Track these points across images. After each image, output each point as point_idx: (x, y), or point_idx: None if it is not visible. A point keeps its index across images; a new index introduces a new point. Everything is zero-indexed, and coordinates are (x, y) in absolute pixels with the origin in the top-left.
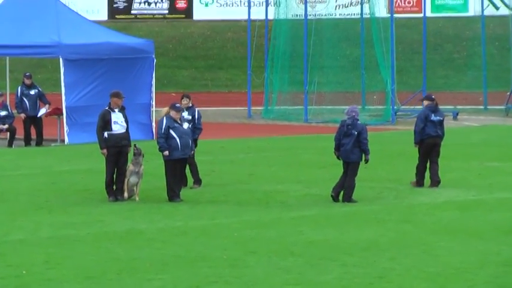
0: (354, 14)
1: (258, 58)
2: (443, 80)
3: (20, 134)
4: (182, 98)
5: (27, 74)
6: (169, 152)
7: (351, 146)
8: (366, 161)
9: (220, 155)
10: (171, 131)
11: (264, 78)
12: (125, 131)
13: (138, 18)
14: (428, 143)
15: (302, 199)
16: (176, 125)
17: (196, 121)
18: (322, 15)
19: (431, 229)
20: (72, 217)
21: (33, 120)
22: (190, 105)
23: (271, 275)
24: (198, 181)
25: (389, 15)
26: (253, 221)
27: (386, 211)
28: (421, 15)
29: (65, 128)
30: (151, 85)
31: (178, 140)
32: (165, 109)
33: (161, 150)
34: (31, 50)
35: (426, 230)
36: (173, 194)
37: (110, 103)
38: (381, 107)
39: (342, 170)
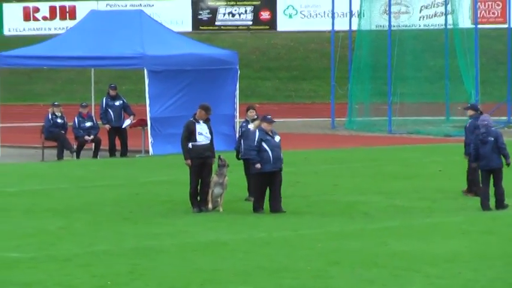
0: (438, 25)
1: (341, 69)
2: None
3: (104, 145)
4: (248, 110)
5: (112, 85)
6: (260, 165)
7: (490, 152)
8: (508, 164)
9: (304, 166)
10: (263, 144)
11: (348, 89)
12: (209, 142)
13: (222, 29)
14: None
15: (385, 210)
16: (268, 137)
17: None
18: (405, 26)
19: None
20: (156, 228)
21: (117, 131)
22: (256, 116)
23: (355, 286)
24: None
25: (473, 25)
26: (337, 232)
27: (469, 222)
28: (506, 25)
29: (150, 139)
30: (234, 96)
31: (270, 152)
32: (256, 122)
33: (253, 163)
34: (116, 61)
35: (510, 242)
36: (258, 206)
37: (195, 114)
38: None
39: (480, 180)
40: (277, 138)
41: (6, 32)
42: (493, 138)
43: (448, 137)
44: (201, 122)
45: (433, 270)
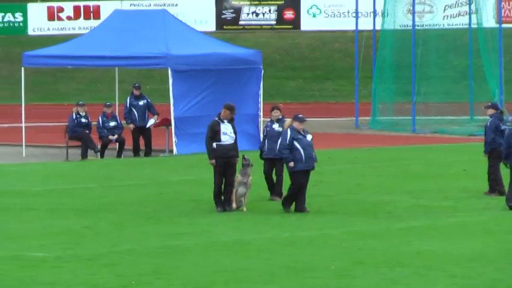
0: (462, 24)
1: (365, 69)
2: None
3: (128, 144)
4: (273, 110)
5: (136, 84)
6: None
7: None
8: None
9: (328, 165)
10: (295, 143)
11: (371, 88)
12: (233, 142)
13: (246, 29)
14: (500, 151)
15: (409, 210)
16: (300, 136)
17: None
18: (429, 25)
19: None
20: (180, 227)
21: (141, 131)
22: (281, 117)
23: (379, 286)
24: (280, 194)
25: (497, 25)
26: (361, 232)
27: (494, 222)
28: None
29: (174, 139)
30: (258, 96)
31: (302, 151)
32: (288, 121)
33: (286, 161)
34: (140, 61)
35: None
36: (288, 203)
37: (219, 113)
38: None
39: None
40: (309, 137)
41: (30, 32)
42: None
43: (472, 136)
44: (225, 121)
45: (457, 269)
